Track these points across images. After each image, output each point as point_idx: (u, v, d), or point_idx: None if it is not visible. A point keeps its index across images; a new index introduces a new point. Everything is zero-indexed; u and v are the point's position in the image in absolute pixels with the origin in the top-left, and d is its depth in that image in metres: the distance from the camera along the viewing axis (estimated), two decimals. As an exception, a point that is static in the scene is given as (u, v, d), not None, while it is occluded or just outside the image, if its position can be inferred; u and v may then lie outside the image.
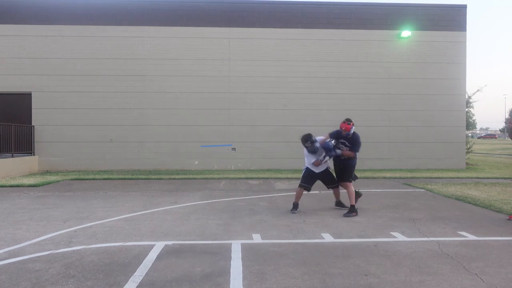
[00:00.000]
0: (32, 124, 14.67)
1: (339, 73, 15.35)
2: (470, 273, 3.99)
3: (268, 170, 14.69)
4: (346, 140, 7.04)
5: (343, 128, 6.91)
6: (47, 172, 14.12)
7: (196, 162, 15.09)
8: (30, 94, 14.74)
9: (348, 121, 6.97)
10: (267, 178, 12.45)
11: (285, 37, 15.24)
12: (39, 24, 14.71)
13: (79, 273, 3.96)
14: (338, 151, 6.98)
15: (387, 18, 15.57)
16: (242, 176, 12.97)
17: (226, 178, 12.53)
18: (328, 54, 15.35)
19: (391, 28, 15.53)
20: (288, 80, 15.19)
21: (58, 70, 14.75)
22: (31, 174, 13.42)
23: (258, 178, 12.47)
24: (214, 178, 12.41)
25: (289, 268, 4.13)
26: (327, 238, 5.35)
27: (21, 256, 4.53)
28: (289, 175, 12.93)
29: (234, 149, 15.23)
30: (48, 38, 14.75)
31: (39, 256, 4.51)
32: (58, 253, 4.64)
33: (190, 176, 12.88)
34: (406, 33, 15.44)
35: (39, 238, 5.29)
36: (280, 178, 12.43)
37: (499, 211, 7.12)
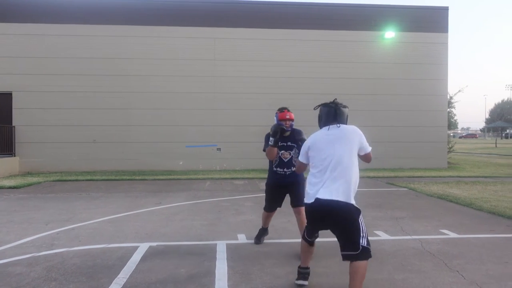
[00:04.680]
0: (13, 124, 14.36)
1: (324, 73, 15.44)
2: (452, 270, 4.06)
3: (253, 170, 14.68)
4: (288, 141, 4.74)
5: (287, 117, 4.69)
6: (28, 174, 13.84)
7: (181, 163, 14.99)
8: (11, 94, 14.42)
9: (288, 109, 4.80)
10: (252, 178, 12.45)
11: (270, 38, 15.27)
12: (21, 23, 14.39)
13: (61, 276, 3.90)
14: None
15: (370, 20, 15.74)
16: (227, 176, 12.94)
17: (211, 178, 12.48)
18: (313, 54, 15.43)
19: (375, 29, 15.71)
20: (274, 80, 15.21)
21: (40, 69, 14.47)
22: (12, 176, 13.13)
23: (243, 178, 12.46)
24: (199, 179, 12.35)
25: (274, 268, 4.14)
26: (312, 237, 5.38)
27: (1, 259, 4.43)
28: (275, 175, 12.94)
29: (219, 149, 15.18)
30: (30, 36, 14.45)
31: (20, 260, 4.42)
32: (39, 256, 4.56)
33: (175, 176, 12.79)
34: (389, 34, 15.64)
35: (20, 241, 5.18)
36: (265, 178, 12.40)
37: (480, 209, 7.27)
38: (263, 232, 5.18)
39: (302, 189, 4.50)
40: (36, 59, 14.47)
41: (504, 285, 3.69)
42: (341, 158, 3.30)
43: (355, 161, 3.37)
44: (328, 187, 3.26)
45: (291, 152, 4.73)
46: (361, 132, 3.46)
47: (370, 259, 3.22)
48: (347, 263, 3.24)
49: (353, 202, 3.31)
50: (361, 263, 3.21)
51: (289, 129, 4.70)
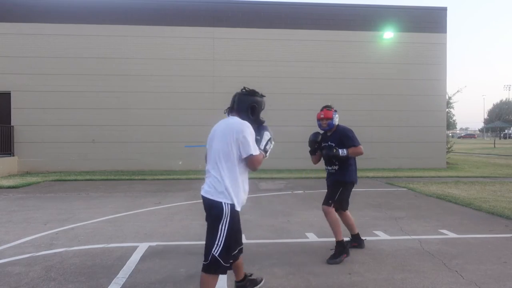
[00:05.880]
0: (11, 124, 14.34)
1: (323, 73, 15.45)
2: (451, 270, 4.07)
3: (252, 170, 14.65)
4: (329, 140, 4.62)
5: (322, 116, 4.56)
6: (27, 173, 13.82)
7: (180, 163, 14.98)
8: (9, 93, 14.40)
9: (328, 107, 4.63)
10: (251, 178, 12.33)
11: (270, 38, 15.27)
12: (19, 22, 14.38)
13: (60, 276, 3.89)
14: (343, 151, 4.46)
15: (370, 20, 15.76)
16: (227, 176, 12.90)
17: (211, 178, 12.44)
18: (312, 54, 15.43)
19: (374, 30, 15.73)
20: (273, 80, 15.19)
21: (39, 69, 14.44)
22: (11, 176, 13.11)
23: (242, 178, 12.42)
24: (198, 179, 12.33)
25: (274, 268, 4.14)
26: (311, 237, 5.38)
27: (0, 259, 4.43)
28: (274, 175, 12.95)
29: (218, 149, 15.15)
30: (29, 36, 14.43)
31: (19, 259, 4.41)
32: (38, 255, 4.55)
33: (174, 176, 12.78)
34: (388, 34, 15.66)
35: (19, 241, 5.17)
36: (264, 178, 12.43)
37: (479, 209, 7.28)
38: (352, 240, 4.91)
39: (335, 190, 4.55)
40: (35, 58, 14.45)
41: (503, 285, 3.69)
42: (217, 154, 2.93)
43: (234, 159, 2.90)
44: (206, 183, 2.98)
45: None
46: (244, 129, 2.89)
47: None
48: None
49: (223, 201, 2.88)
50: (204, 276, 2.85)
51: (327, 128, 4.59)
